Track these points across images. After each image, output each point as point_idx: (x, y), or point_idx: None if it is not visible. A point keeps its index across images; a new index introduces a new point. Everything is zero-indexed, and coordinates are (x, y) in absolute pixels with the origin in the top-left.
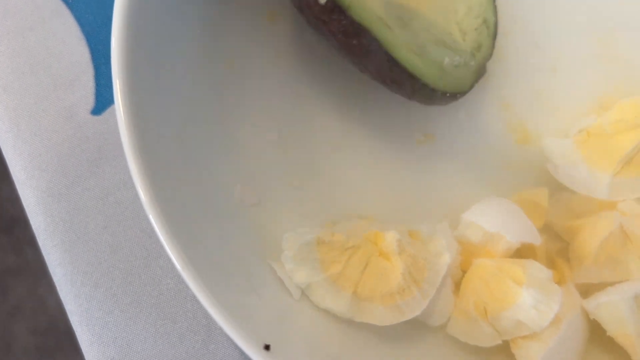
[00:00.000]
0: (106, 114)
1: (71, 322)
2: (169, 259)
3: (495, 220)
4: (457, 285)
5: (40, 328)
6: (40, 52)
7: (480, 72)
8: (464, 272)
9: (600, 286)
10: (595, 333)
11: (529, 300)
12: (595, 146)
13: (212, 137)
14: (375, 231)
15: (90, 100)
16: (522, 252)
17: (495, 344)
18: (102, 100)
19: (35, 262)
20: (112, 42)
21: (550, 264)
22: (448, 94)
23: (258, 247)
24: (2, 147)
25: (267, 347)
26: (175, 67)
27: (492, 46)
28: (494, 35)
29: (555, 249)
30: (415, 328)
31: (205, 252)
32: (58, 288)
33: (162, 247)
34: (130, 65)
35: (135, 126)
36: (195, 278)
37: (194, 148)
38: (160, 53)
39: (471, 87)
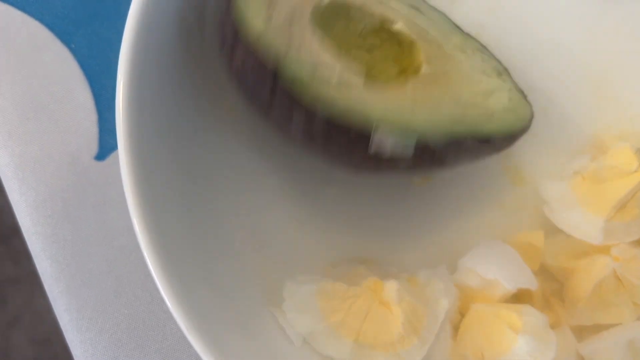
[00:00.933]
0: (110, 159)
1: None
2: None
3: (492, 267)
4: (456, 329)
5: (39, 338)
6: (44, 98)
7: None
8: (463, 315)
9: (595, 328)
10: None
11: (525, 347)
12: (590, 191)
13: (213, 185)
14: (375, 280)
15: (93, 146)
16: (519, 294)
17: None
18: (106, 146)
19: (33, 273)
20: (117, 88)
21: (546, 304)
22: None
23: (258, 294)
24: (8, 193)
25: None
26: (177, 116)
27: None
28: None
29: (551, 289)
30: None
31: (202, 297)
32: (64, 333)
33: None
34: (134, 113)
35: (137, 172)
36: (188, 320)
37: (195, 195)
38: (163, 102)
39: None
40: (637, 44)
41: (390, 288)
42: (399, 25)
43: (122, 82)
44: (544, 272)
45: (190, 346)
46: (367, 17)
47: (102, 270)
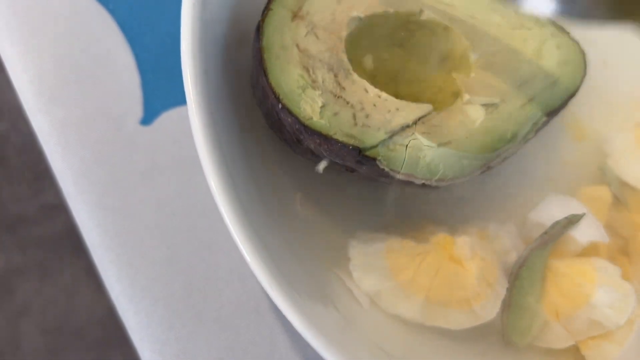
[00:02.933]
0: (156, 123)
1: (132, 339)
2: (237, 266)
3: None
4: None
5: (49, 327)
6: (85, 61)
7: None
8: None
9: None
10: None
11: (604, 299)
12: None
13: (272, 147)
14: (445, 235)
15: (138, 110)
16: (586, 251)
17: (568, 346)
18: (151, 110)
19: (40, 262)
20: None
21: (613, 261)
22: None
23: (325, 254)
24: (50, 161)
25: None
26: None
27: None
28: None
29: (617, 246)
30: (478, 328)
31: (279, 255)
32: (116, 305)
33: (224, 255)
34: (202, 66)
35: (209, 127)
36: (270, 280)
37: (256, 152)
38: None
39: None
40: None
41: (463, 244)
42: (425, 15)
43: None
44: (609, 227)
45: (248, 314)
46: (391, 18)
47: (153, 237)
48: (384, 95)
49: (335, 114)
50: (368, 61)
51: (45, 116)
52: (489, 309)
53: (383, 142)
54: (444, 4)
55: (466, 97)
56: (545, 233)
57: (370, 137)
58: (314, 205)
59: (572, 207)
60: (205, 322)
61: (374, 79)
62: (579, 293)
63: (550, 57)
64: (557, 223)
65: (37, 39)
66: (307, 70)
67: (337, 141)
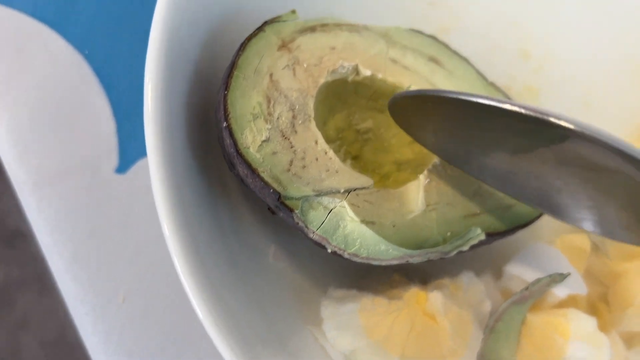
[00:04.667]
0: (131, 171)
1: None
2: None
3: (540, 273)
4: None
5: (48, 339)
6: (60, 108)
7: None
8: None
9: None
10: None
11: (578, 354)
12: None
13: (243, 198)
14: (417, 291)
15: (114, 158)
16: (565, 301)
17: None
18: (126, 157)
19: (39, 275)
20: (145, 94)
21: (592, 309)
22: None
23: (296, 311)
24: (26, 212)
25: None
26: (205, 125)
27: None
28: None
29: (597, 294)
30: None
31: (239, 315)
32: (92, 356)
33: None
34: (164, 116)
35: (168, 182)
36: (225, 343)
37: (225, 208)
38: (191, 107)
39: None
40: None
41: (435, 300)
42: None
43: (150, 86)
44: (589, 275)
45: None
46: (377, 82)
47: (129, 289)
48: (330, 153)
49: (274, 153)
50: (340, 117)
51: (20, 165)
52: None
53: (307, 197)
54: (433, 80)
55: (416, 187)
56: (526, 289)
57: (295, 189)
58: (287, 258)
59: (551, 257)
60: None
61: (342, 132)
62: (552, 348)
63: None
64: (538, 280)
65: (13, 87)
66: (268, 102)
67: (261, 179)
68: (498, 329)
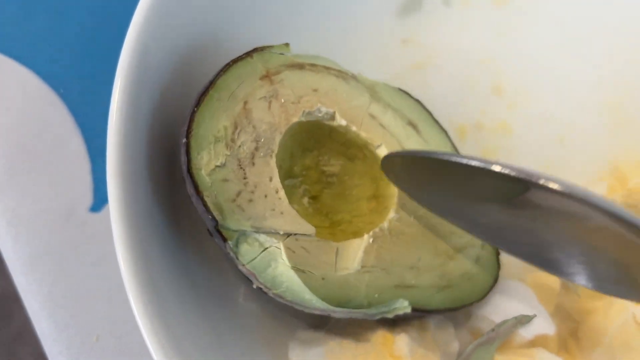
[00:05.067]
0: (106, 210)
1: None
2: None
3: (508, 314)
4: None
5: (44, 353)
6: (35, 147)
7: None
8: None
9: None
10: None
11: None
12: None
13: (207, 241)
14: (384, 333)
15: (88, 197)
16: (535, 340)
17: None
18: (101, 196)
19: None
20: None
21: (562, 346)
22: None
23: (263, 355)
24: (2, 251)
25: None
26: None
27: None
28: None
29: (567, 330)
30: None
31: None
32: None
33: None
34: (126, 165)
35: (129, 226)
36: None
37: (194, 247)
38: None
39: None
40: None
41: (402, 343)
42: (381, 150)
43: (113, 131)
44: (559, 312)
45: None
46: (350, 133)
47: (103, 330)
48: (281, 194)
49: (225, 180)
50: (310, 156)
51: None
52: None
53: (244, 232)
54: (404, 145)
55: (357, 246)
56: (493, 330)
57: (234, 221)
58: (258, 298)
59: (520, 297)
60: None
61: (308, 170)
62: None
63: (459, 265)
64: (505, 322)
65: None
66: (235, 128)
67: (203, 203)
68: None
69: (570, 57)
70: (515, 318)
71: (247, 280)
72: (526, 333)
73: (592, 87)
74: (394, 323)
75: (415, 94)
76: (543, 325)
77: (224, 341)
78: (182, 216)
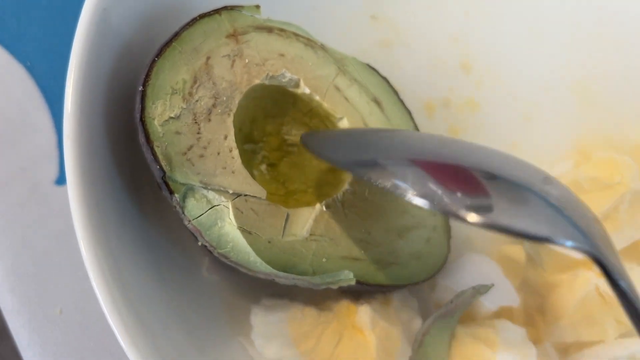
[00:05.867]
0: None
1: None
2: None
3: (474, 284)
4: None
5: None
6: (2, 120)
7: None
8: None
9: (578, 345)
10: None
11: None
12: None
13: (168, 208)
14: (347, 304)
15: (54, 170)
16: (501, 311)
17: None
18: None
19: None
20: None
21: (529, 319)
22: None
23: (227, 323)
24: None
25: None
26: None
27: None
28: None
29: (533, 304)
30: None
31: (158, 335)
32: None
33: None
34: (84, 138)
35: (88, 202)
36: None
37: (151, 224)
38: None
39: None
40: (619, 49)
41: (364, 313)
42: (343, 123)
43: (69, 106)
44: (525, 286)
45: None
46: (313, 103)
47: (65, 301)
48: (235, 154)
49: (177, 132)
50: (272, 122)
51: None
52: None
53: (192, 186)
54: (366, 121)
55: (307, 214)
56: (451, 302)
57: (182, 174)
58: (221, 270)
59: (485, 269)
60: None
61: (268, 137)
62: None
63: (408, 244)
64: (463, 292)
65: None
66: (194, 82)
67: (153, 152)
68: (426, 343)
69: (538, 36)
70: (473, 288)
71: (210, 252)
72: (491, 304)
73: (559, 66)
74: (359, 296)
75: (382, 70)
76: (508, 298)
77: (186, 313)
78: (144, 184)
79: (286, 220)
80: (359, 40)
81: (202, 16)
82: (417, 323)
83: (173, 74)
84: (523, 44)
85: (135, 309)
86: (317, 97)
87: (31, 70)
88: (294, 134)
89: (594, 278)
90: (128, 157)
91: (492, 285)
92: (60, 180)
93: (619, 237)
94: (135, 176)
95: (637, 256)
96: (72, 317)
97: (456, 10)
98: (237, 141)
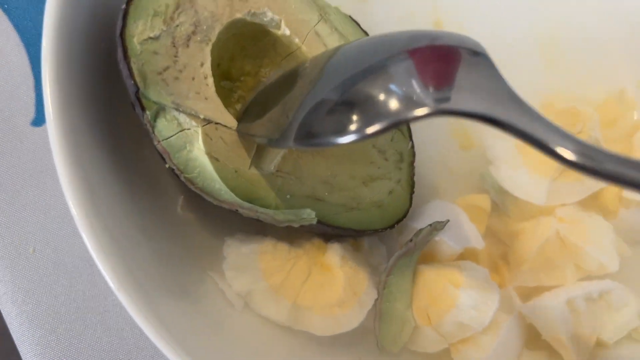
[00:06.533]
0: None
1: (14, 340)
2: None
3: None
4: None
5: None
6: None
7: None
8: None
9: (539, 290)
10: (531, 336)
11: (468, 301)
12: (535, 152)
13: (144, 146)
14: (318, 242)
15: (30, 111)
16: (466, 255)
17: (441, 349)
18: (43, 111)
19: None
20: (42, 53)
21: (493, 267)
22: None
23: (200, 258)
24: None
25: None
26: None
27: (412, 150)
28: (409, 135)
29: (498, 252)
30: (356, 334)
31: (137, 267)
32: (0, 307)
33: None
34: (61, 77)
35: (68, 138)
36: (126, 291)
37: (129, 161)
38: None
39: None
40: (583, 7)
41: (334, 252)
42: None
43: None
44: (490, 235)
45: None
46: (293, 46)
47: (38, 239)
48: (210, 82)
49: (155, 53)
50: (250, 63)
51: None
52: (352, 318)
53: (164, 106)
54: None
55: (277, 151)
56: (410, 240)
57: (155, 92)
58: (195, 209)
59: (451, 213)
60: (88, 325)
61: (246, 77)
62: (446, 297)
63: (373, 192)
64: (420, 231)
65: None
66: (177, 7)
67: (129, 68)
68: (390, 283)
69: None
70: (430, 225)
71: (185, 190)
72: (456, 245)
73: (527, 26)
74: (330, 239)
75: (358, 22)
76: (472, 239)
77: (160, 244)
78: (123, 124)
79: (255, 153)
80: None
81: None
82: (383, 267)
83: None
84: (493, 4)
85: (117, 244)
86: (297, 40)
87: (8, 12)
88: (271, 76)
89: (555, 223)
90: (106, 83)
91: (448, 221)
92: (37, 122)
93: (579, 188)
94: (114, 115)
95: (595, 205)
96: (44, 256)
97: None
98: (214, 77)
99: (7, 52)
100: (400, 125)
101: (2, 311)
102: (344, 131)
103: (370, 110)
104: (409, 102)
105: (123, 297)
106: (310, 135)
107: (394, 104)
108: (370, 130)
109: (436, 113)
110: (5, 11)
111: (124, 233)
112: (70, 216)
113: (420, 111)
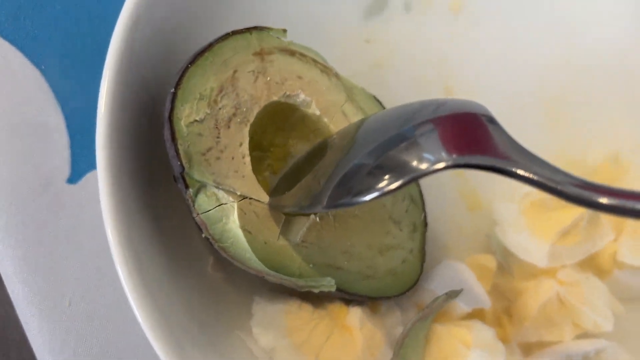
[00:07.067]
0: (82, 182)
1: None
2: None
3: (450, 288)
4: None
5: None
6: (16, 120)
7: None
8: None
9: (539, 345)
10: None
11: None
12: (537, 216)
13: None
14: (340, 304)
15: (66, 169)
16: (474, 313)
17: None
18: (78, 169)
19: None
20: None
21: (497, 321)
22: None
23: (229, 317)
24: None
25: None
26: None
27: (424, 222)
28: (423, 207)
29: (502, 307)
30: None
31: (171, 320)
32: (37, 357)
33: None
34: (114, 134)
35: (115, 196)
36: (160, 343)
37: (168, 220)
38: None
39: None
40: (589, 69)
41: (354, 314)
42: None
43: (103, 102)
44: (495, 291)
45: None
46: (321, 124)
47: (74, 293)
48: (247, 160)
49: (199, 134)
50: (281, 135)
51: None
52: None
53: (206, 183)
54: None
55: (303, 222)
56: (427, 307)
57: (199, 172)
58: (225, 269)
59: (461, 275)
60: None
61: (275, 148)
62: (457, 355)
63: (387, 261)
64: (437, 298)
65: None
66: (220, 91)
67: (176, 149)
68: (406, 344)
69: (515, 63)
70: (446, 294)
71: (214, 252)
72: (465, 306)
73: (534, 90)
74: (350, 302)
75: (374, 89)
76: (480, 300)
77: (192, 304)
78: (163, 193)
79: (283, 225)
80: (355, 62)
81: (235, 32)
82: (399, 330)
83: (203, 81)
84: (501, 69)
85: (154, 297)
86: (325, 119)
87: (45, 73)
88: (299, 148)
89: (556, 285)
90: (150, 154)
91: (462, 290)
92: (72, 179)
93: (578, 251)
94: (155, 172)
95: (592, 266)
96: (79, 308)
97: (443, 37)
98: (248, 149)
99: (44, 112)
100: (425, 176)
101: None
102: (373, 189)
103: (400, 168)
104: (430, 159)
105: (157, 346)
106: (350, 194)
107: (418, 162)
108: (394, 185)
109: (454, 166)
110: (43, 72)
111: (163, 293)
112: (104, 270)
113: (440, 165)
